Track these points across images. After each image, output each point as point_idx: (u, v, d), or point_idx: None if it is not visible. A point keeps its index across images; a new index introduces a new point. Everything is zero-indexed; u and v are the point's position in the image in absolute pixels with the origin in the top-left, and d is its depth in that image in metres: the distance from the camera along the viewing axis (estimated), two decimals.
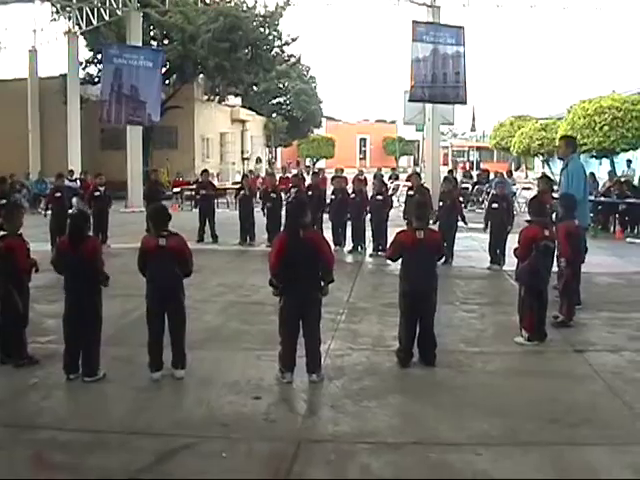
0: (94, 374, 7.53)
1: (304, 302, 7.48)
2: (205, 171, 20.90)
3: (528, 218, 9.53)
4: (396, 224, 16.29)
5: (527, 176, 52.04)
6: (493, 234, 15.19)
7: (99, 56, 35.56)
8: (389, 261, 9.00)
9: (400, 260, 8.29)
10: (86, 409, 7.01)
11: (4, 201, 15.79)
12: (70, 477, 5.47)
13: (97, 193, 18.40)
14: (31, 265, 8.15)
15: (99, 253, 7.84)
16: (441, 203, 16.05)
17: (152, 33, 37.76)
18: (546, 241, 9.03)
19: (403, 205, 21.84)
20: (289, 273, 7.45)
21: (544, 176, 15.46)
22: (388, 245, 8.52)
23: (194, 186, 23.66)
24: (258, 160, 48.84)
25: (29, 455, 5.82)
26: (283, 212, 17.14)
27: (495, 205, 15.42)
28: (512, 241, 11.18)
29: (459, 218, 15.90)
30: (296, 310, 7.49)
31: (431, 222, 8.69)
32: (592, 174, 26.92)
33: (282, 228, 8.49)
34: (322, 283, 7.61)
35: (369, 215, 17.18)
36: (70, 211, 17.39)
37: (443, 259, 14.29)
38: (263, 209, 18.29)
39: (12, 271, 7.99)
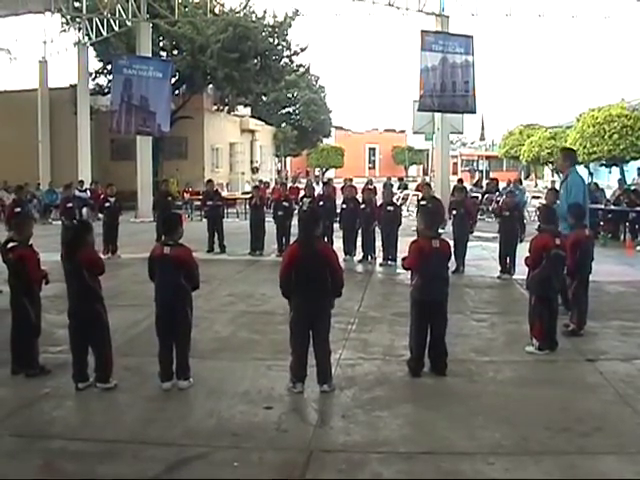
0: (106, 380, 7.54)
1: (314, 314, 7.48)
2: (210, 181, 20.91)
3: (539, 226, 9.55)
4: (406, 234, 16.31)
5: (537, 185, 52.03)
6: (503, 243, 15.19)
7: (109, 67, 35.77)
8: (403, 269, 8.92)
9: (412, 269, 8.29)
10: (97, 419, 7.02)
11: (19, 209, 15.97)
12: None
13: (107, 204, 18.49)
14: (42, 277, 8.17)
15: (95, 263, 7.73)
16: (454, 212, 16.08)
17: (161, 44, 37.89)
18: (557, 250, 9.01)
19: (415, 215, 21.76)
20: (299, 284, 7.46)
21: (552, 189, 15.46)
22: (406, 254, 8.45)
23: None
24: (255, 170, 48.46)
25: (41, 464, 5.83)
26: (293, 221, 17.29)
27: (506, 214, 15.43)
28: (522, 250, 11.17)
29: (471, 226, 15.94)
30: (306, 321, 7.49)
31: (440, 230, 8.63)
32: (595, 184, 26.92)
33: (292, 238, 8.50)
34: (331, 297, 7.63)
35: (379, 225, 17.15)
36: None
37: (454, 268, 14.41)
38: (274, 217, 18.32)
39: (23, 281, 8.02)
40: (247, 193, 34.39)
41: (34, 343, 8.05)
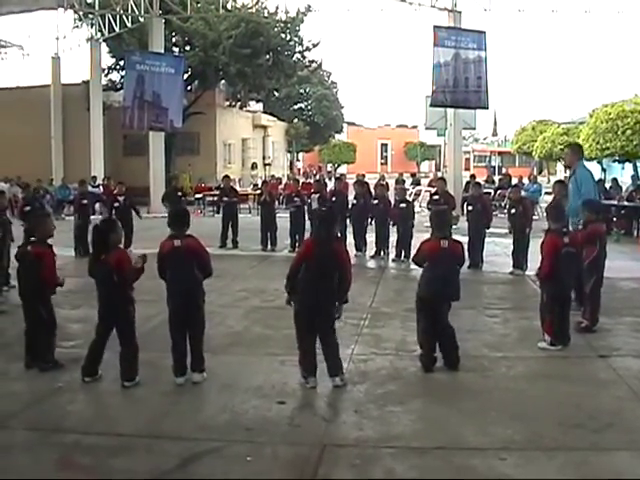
0: (133, 379, 7.54)
1: (315, 310, 7.48)
2: (226, 177, 20.90)
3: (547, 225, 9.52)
4: (419, 230, 16.32)
5: (549, 181, 51.84)
6: (515, 239, 15.13)
7: (121, 63, 35.80)
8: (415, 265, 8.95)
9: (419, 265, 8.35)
10: (111, 413, 7.06)
11: (28, 207, 16.05)
12: (95, 479, 5.52)
13: (116, 204, 18.37)
14: (58, 282, 8.14)
15: (125, 265, 7.73)
16: (470, 207, 16.07)
17: (174, 40, 37.93)
18: (567, 248, 8.99)
19: (427, 210, 21.71)
20: (307, 280, 7.47)
21: (560, 181, 15.37)
22: (417, 250, 8.51)
23: (216, 192, 23.67)
24: (254, 166, 48.32)
25: (55, 458, 5.86)
26: (306, 217, 17.30)
27: (513, 210, 15.39)
28: (534, 245, 11.15)
29: (487, 223, 15.89)
30: (308, 315, 7.49)
31: (453, 227, 8.65)
32: (615, 179, 26.81)
33: (306, 234, 8.50)
34: (336, 302, 7.63)
35: (392, 221, 17.12)
36: (92, 217, 17.57)
37: (469, 263, 14.35)
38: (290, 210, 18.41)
39: (35, 281, 8.01)
40: (255, 189, 34.40)
41: (51, 337, 8.07)
